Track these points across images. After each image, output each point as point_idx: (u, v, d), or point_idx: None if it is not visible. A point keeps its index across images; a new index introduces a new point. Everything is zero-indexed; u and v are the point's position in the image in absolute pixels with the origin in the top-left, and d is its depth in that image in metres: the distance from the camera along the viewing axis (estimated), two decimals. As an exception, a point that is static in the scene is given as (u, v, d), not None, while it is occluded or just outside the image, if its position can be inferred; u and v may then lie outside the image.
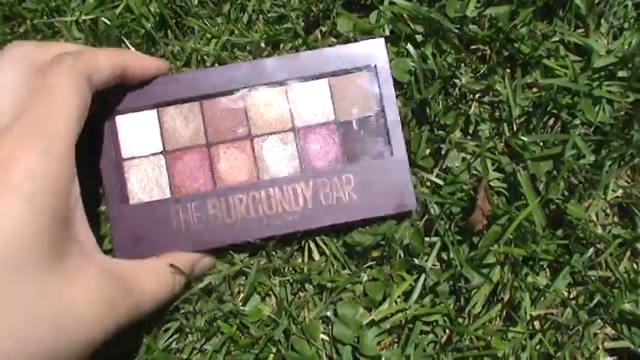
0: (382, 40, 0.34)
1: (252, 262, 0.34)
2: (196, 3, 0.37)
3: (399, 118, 0.33)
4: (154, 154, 0.34)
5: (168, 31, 0.37)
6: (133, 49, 0.36)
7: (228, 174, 0.33)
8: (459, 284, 0.33)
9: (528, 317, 0.33)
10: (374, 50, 0.34)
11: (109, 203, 0.32)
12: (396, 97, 0.34)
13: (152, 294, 0.29)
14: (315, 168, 0.33)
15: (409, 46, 0.35)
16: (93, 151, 0.33)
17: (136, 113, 0.34)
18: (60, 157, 0.25)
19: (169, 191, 0.33)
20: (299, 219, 0.32)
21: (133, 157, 0.33)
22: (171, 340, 0.33)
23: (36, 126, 0.25)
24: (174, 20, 0.37)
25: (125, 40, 0.36)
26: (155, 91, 0.33)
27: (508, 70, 0.35)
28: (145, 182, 0.33)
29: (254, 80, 0.34)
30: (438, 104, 0.35)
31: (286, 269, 0.34)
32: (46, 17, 0.37)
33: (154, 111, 0.34)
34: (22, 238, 0.23)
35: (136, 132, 0.34)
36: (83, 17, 0.37)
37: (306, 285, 0.34)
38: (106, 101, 0.33)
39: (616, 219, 0.35)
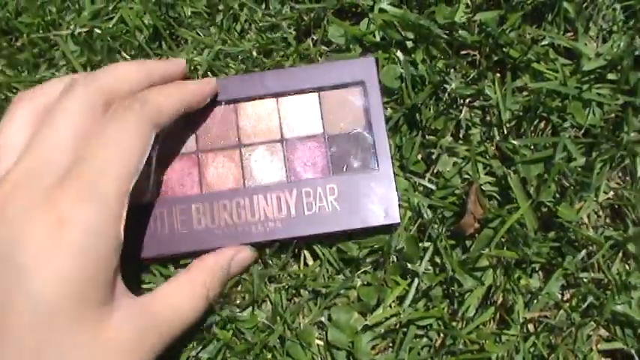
0: (373, 59, 0.35)
1: (251, 270, 0.34)
2: (189, 14, 0.38)
3: (386, 134, 0.34)
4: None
5: (162, 42, 0.38)
6: (129, 59, 0.37)
7: (215, 181, 0.34)
8: (452, 288, 0.33)
9: (522, 320, 0.33)
10: (364, 68, 0.34)
11: None
12: (385, 110, 0.34)
13: (182, 320, 0.29)
14: (300, 178, 0.34)
15: (399, 53, 0.35)
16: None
17: None
18: (111, 216, 0.25)
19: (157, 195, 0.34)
20: (282, 227, 0.33)
21: None
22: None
23: (91, 181, 0.25)
24: (167, 31, 0.37)
25: (120, 52, 0.37)
26: None
27: (498, 75, 0.36)
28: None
29: (246, 92, 0.34)
30: (429, 110, 0.35)
31: (281, 276, 0.34)
32: (41, 31, 0.38)
33: None
34: (63, 295, 0.23)
35: None
36: (78, 30, 0.37)
37: (301, 291, 0.34)
38: None
39: (608, 221, 0.35)
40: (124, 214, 0.26)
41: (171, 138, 0.34)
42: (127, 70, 0.30)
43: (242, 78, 0.35)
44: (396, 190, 0.33)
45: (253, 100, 0.35)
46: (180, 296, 0.29)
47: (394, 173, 0.33)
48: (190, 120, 0.34)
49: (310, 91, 0.35)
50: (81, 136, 0.26)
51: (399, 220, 0.33)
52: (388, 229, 0.34)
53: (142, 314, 0.27)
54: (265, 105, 0.35)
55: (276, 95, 0.35)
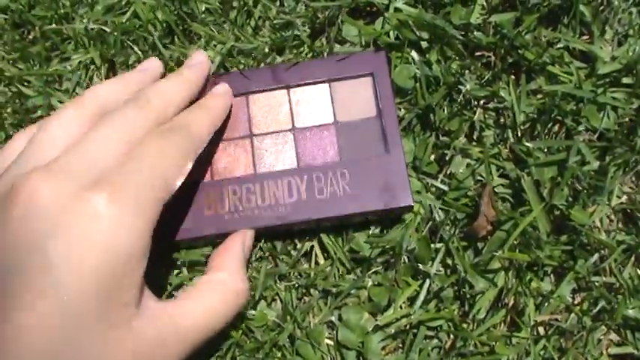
0: (383, 52, 0.35)
1: (260, 265, 0.34)
2: (203, 9, 0.37)
3: (396, 121, 0.34)
4: None
5: (175, 37, 0.37)
6: (141, 55, 0.37)
7: (226, 170, 0.34)
8: (464, 290, 0.33)
9: (532, 323, 0.33)
10: (374, 60, 0.35)
11: None
12: (394, 101, 0.34)
13: (211, 328, 0.28)
14: (311, 165, 0.34)
15: (413, 53, 0.35)
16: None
17: None
18: (147, 222, 0.25)
19: None
20: (292, 210, 0.33)
21: None
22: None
23: (132, 187, 0.25)
24: (180, 27, 0.37)
25: (133, 47, 0.37)
26: None
27: (513, 77, 0.36)
28: None
29: (257, 85, 0.35)
30: (443, 110, 0.35)
31: (292, 274, 0.34)
32: (54, 24, 0.38)
33: None
34: (95, 292, 0.23)
35: None
36: (91, 24, 0.37)
37: (311, 290, 0.34)
38: None
39: (620, 225, 0.35)
40: (154, 224, 0.26)
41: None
42: (173, 89, 0.31)
43: (253, 71, 0.35)
44: (407, 173, 0.33)
45: (265, 91, 0.35)
46: (209, 310, 0.29)
47: (404, 157, 0.33)
48: None
49: (321, 82, 0.35)
50: (127, 145, 0.27)
51: (411, 203, 0.32)
52: (401, 212, 0.34)
53: (166, 321, 0.27)
54: (276, 96, 0.35)
55: (288, 87, 0.35)
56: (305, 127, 0.35)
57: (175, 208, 0.32)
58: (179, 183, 0.28)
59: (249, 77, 0.35)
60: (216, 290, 0.29)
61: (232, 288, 0.30)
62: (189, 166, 0.28)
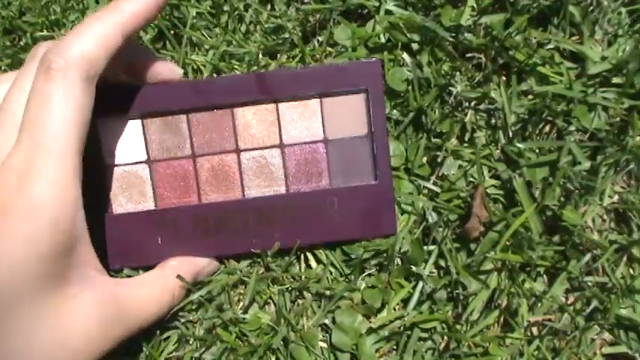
0: (378, 62, 0.33)
1: (251, 271, 0.34)
2: (194, 14, 0.37)
3: (387, 143, 0.33)
4: (138, 163, 0.33)
5: (167, 42, 0.37)
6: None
7: (213, 187, 0.34)
8: (457, 291, 0.33)
9: (526, 323, 0.33)
10: (369, 73, 0.33)
11: (91, 210, 0.30)
12: (385, 120, 0.34)
13: (147, 317, 0.29)
14: (300, 186, 0.34)
15: (405, 55, 0.35)
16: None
17: (121, 121, 0.33)
18: (64, 186, 0.25)
19: (153, 202, 0.33)
20: (282, 236, 0.33)
21: (116, 165, 0.33)
22: (171, 349, 0.33)
23: (37, 153, 0.24)
24: (172, 32, 0.37)
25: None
26: (142, 101, 0.32)
27: (503, 78, 0.36)
28: (128, 192, 0.33)
29: (245, 95, 0.33)
30: (434, 112, 0.35)
31: (284, 278, 0.34)
32: (45, 30, 0.38)
33: (139, 120, 0.33)
34: (17, 278, 0.23)
35: (119, 139, 0.33)
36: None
37: (305, 293, 0.34)
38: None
39: (612, 225, 0.35)
40: (79, 192, 0.26)
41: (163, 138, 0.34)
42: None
43: (240, 78, 0.33)
44: (394, 202, 0.34)
45: (252, 104, 0.33)
46: (151, 298, 0.30)
47: (392, 186, 0.33)
48: (184, 124, 0.33)
49: (312, 97, 0.34)
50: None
51: (393, 232, 0.33)
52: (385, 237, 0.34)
53: (113, 301, 0.27)
54: (264, 109, 0.34)
55: (276, 101, 0.33)
56: (293, 143, 0.34)
57: (164, 232, 0.33)
58: (83, 117, 0.26)
59: (235, 85, 0.33)
60: (162, 284, 0.30)
61: (171, 288, 0.31)
62: (87, 93, 0.26)
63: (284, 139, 0.34)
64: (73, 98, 0.25)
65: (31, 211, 0.24)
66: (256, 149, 0.34)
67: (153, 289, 0.30)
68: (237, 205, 0.33)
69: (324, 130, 0.34)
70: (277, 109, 0.34)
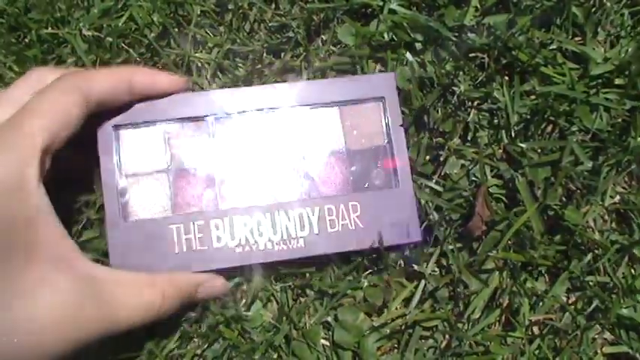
0: (392, 74, 0.34)
1: (254, 267, 0.34)
2: (199, 12, 0.38)
3: (406, 150, 0.34)
4: (158, 172, 0.33)
5: (171, 40, 0.38)
6: (137, 58, 0.37)
7: (233, 196, 0.33)
8: (458, 290, 0.33)
9: (527, 322, 0.33)
10: (384, 83, 0.34)
11: (108, 218, 0.31)
12: (404, 128, 0.34)
13: (129, 312, 0.28)
14: (322, 194, 0.33)
15: (408, 54, 0.35)
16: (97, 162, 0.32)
17: (141, 129, 0.33)
18: (22, 167, 0.25)
19: (171, 210, 0.33)
20: (304, 245, 0.32)
21: (136, 174, 0.33)
22: (173, 346, 0.33)
23: (3, 134, 0.25)
24: (176, 29, 0.37)
25: (129, 50, 0.37)
26: (163, 108, 0.33)
27: (506, 78, 0.36)
28: (146, 200, 0.33)
29: (265, 104, 0.33)
30: (437, 111, 0.35)
31: (287, 275, 0.34)
32: (50, 28, 0.38)
33: (161, 128, 0.33)
34: None
35: (139, 148, 0.33)
36: (87, 28, 0.37)
37: (307, 290, 0.34)
38: (111, 114, 0.32)
39: (614, 225, 0.35)
40: (38, 171, 0.26)
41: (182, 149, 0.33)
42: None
43: (258, 90, 0.34)
44: (417, 207, 0.33)
45: (272, 113, 0.34)
46: (133, 287, 0.28)
47: (413, 192, 0.33)
48: (206, 130, 0.33)
49: (331, 106, 0.34)
50: None
51: (420, 239, 0.33)
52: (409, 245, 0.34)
53: (92, 287, 0.26)
54: (284, 118, 0.34)
55: (296, 108, 0.34)
56: (315, 152, 0.34)
57: (179, 240, 0.32)
58: (65, 126, 0.27)
59: (254, 95, 0.33)
60: (150, 281, 0.29)
61: (160, 288, 0.29)
62: (78, 109, 0.28)
63: (305, 149, 0.34)
64: (64, 100, 0.27)
65: None
66: (278, 158, 0.34)
67: (136, 280, 0.29)
68: (257, 211, 0.32)
69: (344, 140, 0.34)
70: (298, 119, 0.34)
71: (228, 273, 0.33)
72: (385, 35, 0.36)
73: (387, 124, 0.34)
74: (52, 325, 0.25)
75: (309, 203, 0.32)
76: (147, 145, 0.33)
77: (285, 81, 0.36)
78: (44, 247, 0.25)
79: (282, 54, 0.37)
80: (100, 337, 0.26)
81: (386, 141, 0.34)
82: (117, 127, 0.32)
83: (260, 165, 0.33)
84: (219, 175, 0.33)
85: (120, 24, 0.37)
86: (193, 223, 0.32)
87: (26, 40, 0.39)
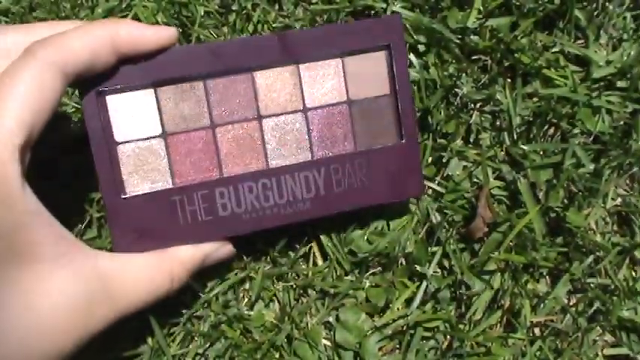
0: (398, 16, 0.32)
1: (257, 267, 0.34)
2: (202, 13, 0.38)
3: (411, 101, 0.32)
4: (152, 137, 0.30)
5: (175, 40, 0.38)
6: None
7: (235, 158, 0.31)
8: (460, 291, 0.33)
9: (528, 324, 0.33)
10: (389, 29, 0.31)
11: (104, 194, 0.29)
12: (409, 78, 0.32)
13: (139, 298, 0.27)
14: (325, 153, 0.32)
15: (411, 56, 0.35)
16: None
17: (130, 92, 0.30)
18: (5, 153, 0.23)
19: (171, 180, 0.30)
20: (311, 206, 0.31)
21: (128, 141, 0.30)
22: (176, 345, 0.34)
23: None
24: (180, 30, 0.37)
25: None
26: (152, 68, 0.29)
27: (509, 80, 0.36)
28: (142, 169, 0.30)
29: (264, 58, 0.31)
30: (440, 113, 0.35)
31: (290, 275, 0.34)
32: (55, 26, 0.38)
33: (151, 90, 0.30)
34: None
35: (130, 113, 0.30)
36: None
37: (309, 290, 0.35)
38: (95, 77, 0.28)
39: (615, 227, 0.35)
40: (22, 170, 0.24)
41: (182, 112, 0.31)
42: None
43: (257, 40, 0.31)
44: (420, 162, 0.33)
45: (271, 67, 0.31)
46: (142, 274, 0.28)
47: (418, 145, 0.32)
48: (201, 91, 0.31)
49: (333, 57, 0.32)
50: None
51: (419, 192, 0.32)
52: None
53: (98, 278, 0.26)
54: (285, 72, 0.31)
55: (297, 62, 0.31)
56: (316, 106, 0.32)
57: (183, 212, 0.30)
58: (44, 106, 0.25)
59: (253, 49, 0.30)
60: (157, 263, 0.28)
61: (168, 269, 0.29)
62: (56, 85, 0.25)
63: (307, 103, 0.32)
64: (38, 83, 0.24)
65: None
66: (278, 115, 0.32)
67: (144, 266, 0.28)
68: (261, 176, 0.31)
69: (347, 91, 0.32)
70: (299, 72, 0.32)
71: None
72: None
73: (391, 75, 0.32)
74: (62, 323, 0.24)
75: (315, 164, 0.31)
76: (138, 110, 0.30)
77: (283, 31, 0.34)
78: (41, 248, 0.24)
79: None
80: (107, 327, 0.26)
81: (391, 91, 0.32)
82: (101, 92, 0.29)
83: (261, 127, 0.31)
84: (219, 139, 0.31)
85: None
86: (196, 194, 0.30)
87: (31, 39, 0.39)
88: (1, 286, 0.23)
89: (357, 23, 0.32)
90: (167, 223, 0.30)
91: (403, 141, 0.32)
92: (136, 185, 0.30)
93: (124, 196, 0.29)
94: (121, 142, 0.30)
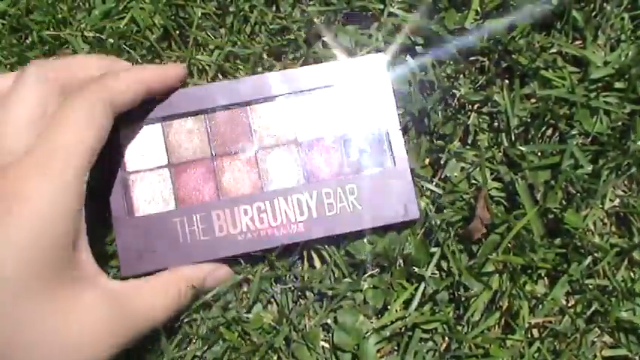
0: (382, 55, 0.35)
1: (255, 270, 0.34)
2: (200, 15, 0.38)
3: (400, 130, 0.34)
4: (160, 167, 0.34)
5: (172, 42, 0.38)
6: (138, 59, 0.37)
7: (232, 186, 0.34)
8: (458, 292, 0.33)
9: (527, 325, 0.33)
10: (374, 65, 0.34)
11: (115, 216, 0.33)
12: (397, 108, 0.34)
13: (155, 315, 0.29)
14: (319, 179, 0.34)
15: (408, 58, 0.35)
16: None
17: (140, 126, 0.34)
18: (67, 190, 0.25)
19: (174, 203, 0.34)
20: (304, 229, 0.33)
21: (138, 171, 0.34)
22: (173, 348, 0.33)
23: (45, 159, 0.25)
24: (177, 32, 0.37)
25: (130, 51, 0.37)
26: (160, 105, 0.34)
27: (506, 81, 0.36)
28: (150, 195, 0.34)
29: (258, 94, 0.34)
30: (437, 114, 0.35)
31: (288, 277, 0.34)
32: (52, 29, 0.38)
33: (159, 125, 0.34)
34: (22, 269, 0.24)
35: (140, 145, 0.34)
36: (89, 29, 0.37)
37: (307, 292, 0.35)
38: None
39: (613, 228, 0.35)
40: (83, 191, 0.26)
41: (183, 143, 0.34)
42: (85, 59, 0.31)
43: (252, 79, 0.34)
44: (414, 185, 0.34)
45: (265, 101, 0.34)
46: (154, 295, 0.30)
47: (411, 168, 0.34)
48: (203, 125, 0.34)
49: (325, 91, 0.34)
50: (36, 121, 0.27)
51: (418, 216, 0.33)
52: (408, 223, 0.34)
53: (117, 300, 0.28)
54: (278, 106, 0.35)
55: (288, 96, 0.34)
56: (309, 138, 0.34)
57: (183, 231, 0.33)
58: (97, 143, 0.27)
59: (247, 86, 0.34)
60: (166, 283, 0.31)
61: (177, 289, 0.31)
62: (106, 121, 0.28)
63: (299, 136, 0.34)
64: (94, 120, 0.27)
65: (37, 202, 0.24)
66: (273, 147, 0.34)
67: (156, 284, 0.30)
68: (256, 199, 0.33)
69: (337, 124, 0.34)
70: (290, 106, 0.34)
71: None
72: (381, 38, 0.36)
73: (379, 107, 0.34)
74: (90, 344, 0.26)
75: (307, 188, 0.33)
76: (147, 142, 0.34)
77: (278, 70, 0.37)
78: (76, 269, 0.26)
79: (283, 56, 0.37)
80: (128, 345, 0.28)
81: (379, 122, 0.34)
82: (117, 126, 0.32)
83: (257, 154, 0.34)
84: (218, 166, 0.34)
85: (121, 26, 0.37)
86: (195, 215, 0.33)
87: (28, 42, 0.39)
88: (41, 297, 0.24)
89: (343, 62, 0.35)
90: (168, 243, 0.33)
91: (395, 167, 0.33)
92: (142, 208, 0.33)
93: (131, 217, 0.33)
94: (133, 172, 0.34)
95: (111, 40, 0.37)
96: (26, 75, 0.28)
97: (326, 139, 0.34)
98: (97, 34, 0.37)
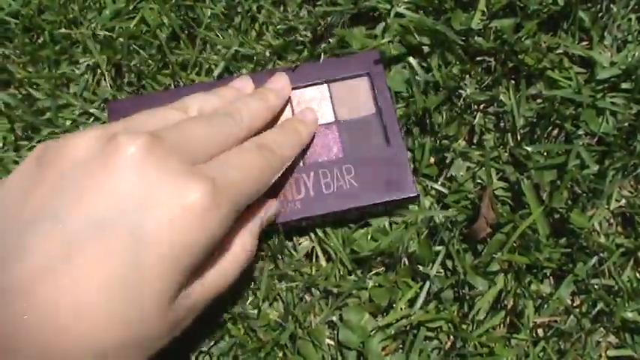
0: (377, 52, 0.36)
1: (262, 267, 0.34)
2: (208, 15, 0.38)
3: (395, 115, 0.35)
4: None
5: (181, 42, 0.38)
6: (147, 59, 0.37)
7: None
8: (463, 291, 0.34)
9: (532, 324, 0.33)
10: (369, 60, 0.36)
11: None
12: (392, 98, 0.35)
13: (229, 280, 0.29)
14: (317, 162, 0.35)
15: (410, 59, 0.36)
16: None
17: None
18: (228, 219, 0.25)
19: None
20: (302, 207, 0.33)
21: None
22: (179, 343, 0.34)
23: (229, 185, 0.25)
24: (185, 32, 0.38)
25: (139, 51, 0.37)
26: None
27: (512, 82, 0.36)
28: None
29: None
30: (443, 114, 0.36)
31: (293, 274, 0.35)
32: (64, 28, 0.39)
33: None
34: (158, 275, 0.23)
35: None
36: (99, 29, 0.38)
37: (313, 290, 0.35)
38: None
39: (619, 228, 0.35)
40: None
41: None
42: (260, 112, 0.32)
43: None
44: (409, 163, 0.34)
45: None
46: (223, 259, 0.29)
47: (406, 149, 0.34)
48: None
49: (320, 83, 0.36)
50: (219, 148, 0.27)
51: (416, 193, 0.33)
52: (408, 202, 0.34)
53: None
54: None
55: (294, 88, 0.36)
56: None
57: None
58: (256, 196, 0.28)
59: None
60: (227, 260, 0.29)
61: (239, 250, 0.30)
62: (270, 183, 0.29)
63: None
64: (268, 175, 0.29)
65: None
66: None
67: (225, 259, 0.29)
68: None
69: (334, 112, 0.35)
70: (290, 99, 0.36)
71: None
72: (389, 37, 0.37)
73: (374, 96, 0.35)
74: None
75: (304, 169, 0.34)
76: None
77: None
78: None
79: (289, 56, 0.38)
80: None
81: (375, 109, 0.35)
82: None
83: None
84: None
85: (131, 26, 0.38)
86: None
87: (40, 41, 0.39)
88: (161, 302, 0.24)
89: (340, 58, 0.36)
90: None
91: (390, 146, 0.34)
92: None
93: None
94: None
95: (121, 40, 0.37)
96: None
97: (324, 127, 0.35)
98: (108, 34, 0.38)
